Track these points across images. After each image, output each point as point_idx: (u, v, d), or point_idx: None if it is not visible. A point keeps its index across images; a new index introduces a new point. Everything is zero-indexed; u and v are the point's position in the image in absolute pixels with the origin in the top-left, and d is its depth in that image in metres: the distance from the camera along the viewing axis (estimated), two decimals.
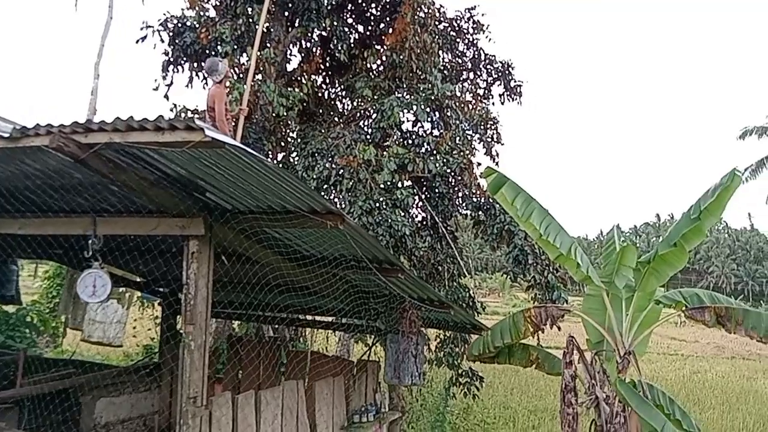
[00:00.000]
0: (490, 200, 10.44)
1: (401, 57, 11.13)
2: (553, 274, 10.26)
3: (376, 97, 11.12)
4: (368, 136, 10.81)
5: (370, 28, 13.02)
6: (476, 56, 13.43)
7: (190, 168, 4.26)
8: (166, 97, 11.86)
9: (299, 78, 11.89)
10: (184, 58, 11.77)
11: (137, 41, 11.56)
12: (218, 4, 11.88)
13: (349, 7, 12.72)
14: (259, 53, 10.84)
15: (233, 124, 7.70)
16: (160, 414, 7.96)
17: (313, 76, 12.34)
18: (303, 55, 12.57)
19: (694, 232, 5.82)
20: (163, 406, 7.99)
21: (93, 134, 3.83)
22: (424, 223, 11.08)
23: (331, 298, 6.52)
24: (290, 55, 12.37)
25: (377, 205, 9.40)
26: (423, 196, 10.78)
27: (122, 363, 14.09)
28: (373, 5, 12.84)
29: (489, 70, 13.52)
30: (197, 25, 11.43)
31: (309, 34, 11.98)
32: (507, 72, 13.44)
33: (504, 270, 13.32)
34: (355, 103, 12.61)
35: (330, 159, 10.45)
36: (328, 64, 12.89)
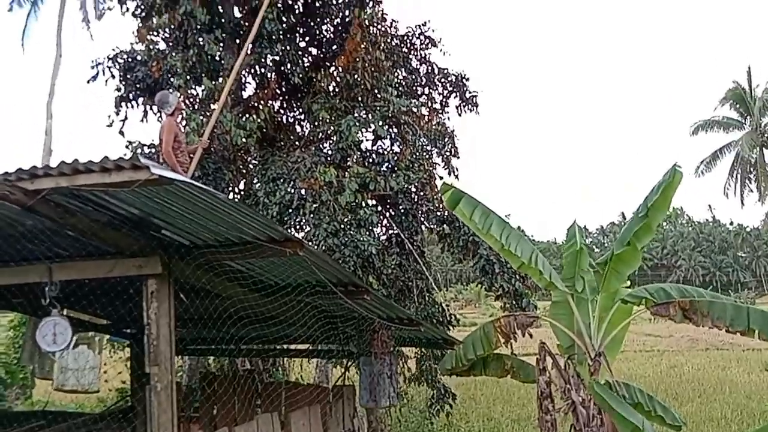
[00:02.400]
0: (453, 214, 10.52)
1: (355, 76, 11.18)
2: (521, 281, 10.36)
3: (333, 118, 11.13)
4: (329, 158, 10.80)
5: (323, 49, 13.08)
6: (430, 71, 13.57)
7: (142, 206, 4.19)
8: (122, 133, 11.68)
9: (256, 104, 11.84)
10: (137, 93, 11.63)
11: (88, 81, 11.40)
12: (168, 36, 11.78)
13: (300, 31, 12.77)
14: (212, 84, 10.79)
15: (190, 156, 7.61)
16: None
17: (269, 102, 12.31)
18: (258, 81, 12.53)
19: (644, 230, 5.97)
20: None
21: (39, 180, 3.76)
22: (390, 240, 11.09)
23: (300, 325, 6.45)
24: (245, 82, 12.31)
25: (342, 226, 9.37)
26: (387, 214, 10.81)
27: (97, 409, 13.69)
28: (324, 27, 12.92)
29: (444, 84, 13.66)
30: (148, 59, 11.32)
31: (262, 60, 11.96)
32: (461, 84, 13.60)
33: (477, 280, 13.42)
34: (313, 125, 12.59)
35: (291, 183, 10.40)
36: (284, 89, 12.87)
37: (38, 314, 8.35)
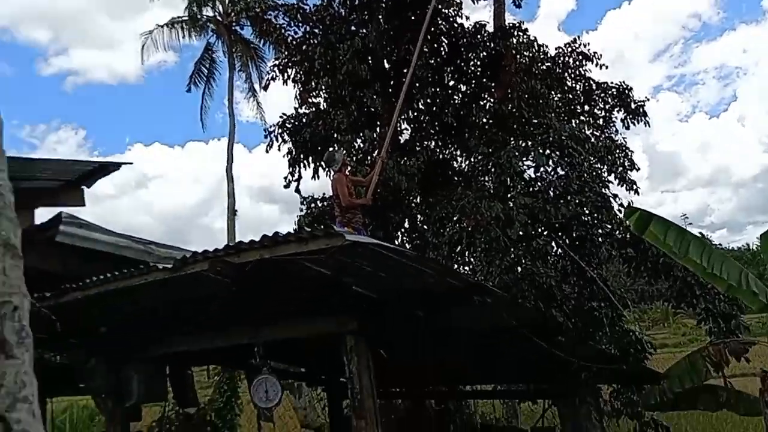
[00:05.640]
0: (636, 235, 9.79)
1: (510, 107, 11.05)
2: (726, 302, 9.26)
3: (491, 150, 11.03)
4: (491, 191, 10.67)
5: (472, 85, 13.11)
6: (587, 87, 12.98)
7: (333, 267, 4.41)
8: (298, 191, 12.58)
9: (413, 147, 12.17)
10: (306, 153, 12.46)
11: (267, 150, 12.52)
12: (327, 97, 12.59)
13: (448, 70, 12.94)
14: (372, 134, 11.32)
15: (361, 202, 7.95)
16: None
17: (425, 143, 12.58)
18: (413, 125, 12.89)
19: None
20: None
21: (245, 253, 4.12)
22: (567, 270, 10.55)
23: (488, 366, 6.36)
24: (401, 128, 12.71)
25: (515, 260, 9.15)
26: (561, 242, 10.34)
27: None
28: (472, 63, 12.97)
29: (604, 98, 12.98)
30: (312, 120, 12.16)
31: (415, 104, 12.31)
32: (624, 95, 12.82)
33: (665, 298, 12.34)
34: (470, 161, 12.59)
35: (456, 221, 10.42)
36: (438, 128, 13.09)
37: (243, 366, 9.14)
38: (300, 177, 12.57)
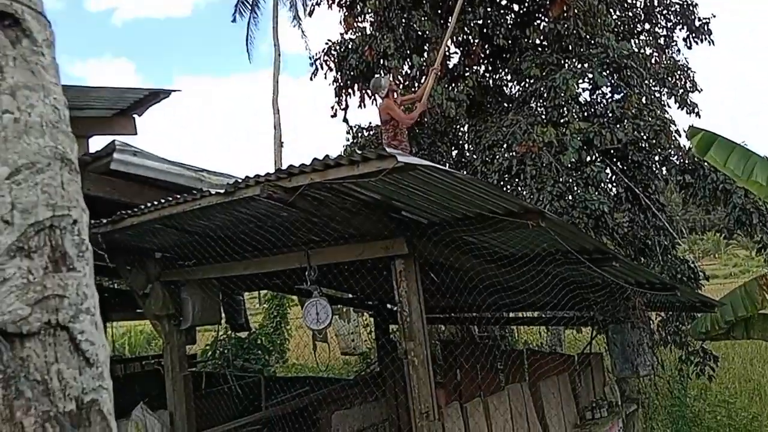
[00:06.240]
0: (696, 159, 9.40)
1: (566, 26, 10.50)
2: None
3: (544, 73, 10.60)
4: (543, 117, 10.33)
5: (526, 4, 12.49)
6: (648, 4, 12.22)
7: (382, 191, 4.37)
8: (345, 120, 12.46)
9: (462, 73, 11.79)
10: (352, 81, 12.24)
11: (311, 78, 12.32)
12: (373, 20, 12.20)
13: None
14: (420, 59, 10.99)
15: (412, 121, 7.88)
16: (390, 422, 8.30)
17: (474, 68, 12.17)
18: (462, 49, 12.45)
19: None
20: (391, 414, 8.32)
21: (296, 177, 4.10)
22: (620, 197, 10.28)
23: (535, 292, 6.31)
24: (450, 53, 12.30)
25: (567, 187, 8.93)
26: (616, 169, 10.03)
27: (342, 371, 15.10)
28: None
29: (666, 15, 12.21)
30: (359, 45, 11.86)
31: (464, 27, 11.83)
32: (688, 12, 12.04)
33: (716, 228, 11.95)
34: (522, 85, 12.16)
35: (507, 148, 10.18)
36: (488, 52, 12.62)
37: (293, 291, 9.38)
38: (347, 106, 12.42)
